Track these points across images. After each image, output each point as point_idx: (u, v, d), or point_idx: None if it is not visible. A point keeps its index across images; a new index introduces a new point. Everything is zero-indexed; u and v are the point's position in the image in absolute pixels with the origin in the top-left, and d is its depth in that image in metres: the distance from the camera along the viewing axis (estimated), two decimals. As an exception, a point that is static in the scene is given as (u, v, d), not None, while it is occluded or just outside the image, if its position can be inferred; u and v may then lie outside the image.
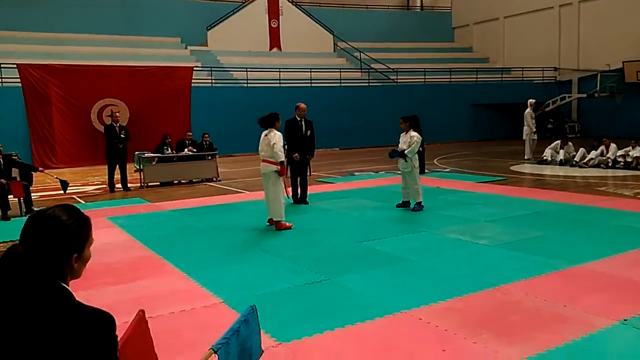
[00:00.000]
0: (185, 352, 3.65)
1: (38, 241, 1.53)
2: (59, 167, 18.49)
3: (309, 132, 9.62)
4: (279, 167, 7.66)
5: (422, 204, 8.74)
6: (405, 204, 9.00)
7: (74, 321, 1.48)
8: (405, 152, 8.66)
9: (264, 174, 7.83)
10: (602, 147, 14.22)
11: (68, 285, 1.58)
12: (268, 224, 7.93)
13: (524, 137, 16.93)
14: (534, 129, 16.79)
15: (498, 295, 4.59)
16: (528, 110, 16.87)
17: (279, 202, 7.67)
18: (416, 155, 8.86)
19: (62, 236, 1.56)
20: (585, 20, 27.70)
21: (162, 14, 28.76)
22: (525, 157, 16.39)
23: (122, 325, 2.11)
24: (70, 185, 10.88)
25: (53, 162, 18.83)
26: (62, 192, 10.58)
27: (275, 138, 7.59)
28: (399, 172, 9.24)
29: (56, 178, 10.63)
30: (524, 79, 29.06)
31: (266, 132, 7.77)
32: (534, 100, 17.59)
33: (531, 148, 16.61)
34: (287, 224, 7.70)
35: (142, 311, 2.28)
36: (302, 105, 9.60)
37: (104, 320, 1.53)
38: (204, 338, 3.86)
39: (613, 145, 13.98)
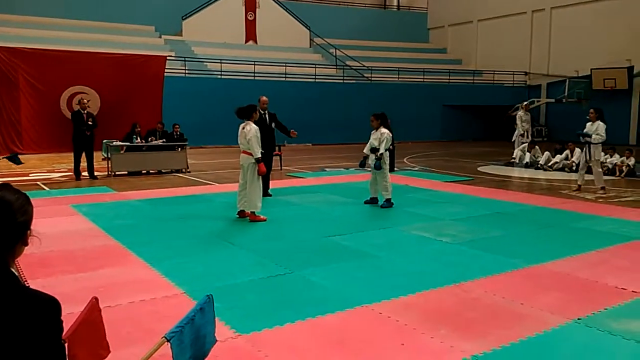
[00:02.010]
0: (143, 340, 3.61)
1: None
2: (25, 152, 18.05)
3: (272, 124, 9.72)
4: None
5: (392, 201, 8.81)
6: (373, 201, 9.07)
7: (19, 305, 1.46)
8: (380, 151, 8.71)
9: (242, 165, 7.85)
10: (567, 151, 14.55)
11: (13, 268, 1.55)
12: (237, 216, 7.91)
13: (512, 139, 16.75)
14: (521, 131, 16.68)
15: (458, 292, 4.67)
16: (519, 112, 16.85)
17: (256, 194, 7.68)
18: (386, 153, 8.93)
19: (15, 216, 1.53)
20: (557, 26, 28.27)
21: (137, 1, 28.29)
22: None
23: (79, 313, 2.09)
24: (35, 171, 10.62)
25: (19, 147, 18.35)
26: (27, 177, 10.32)
27: (250, 133, 7.60)
28: (369, 169, 9.30)
29: (3, 158, 10.23)
30: (495, 82, 29.51)
31: (243, 124, 7.78)
32: (525, 102, 17.62)
33: (517, 148, 16.18)
34: (262, 217, 7.70)
35: (95, 298, 2.25)
36: (264, 98, 9.71)
37: (49, 304, 1.50)
38: (162, 327, 3.83)
39: (577, 150, 14.28)
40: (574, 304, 4.39)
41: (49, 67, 18.63)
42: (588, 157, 10.55)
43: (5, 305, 1.44)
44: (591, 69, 25.07)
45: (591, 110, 10.64)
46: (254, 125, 7.74)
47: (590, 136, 10.34)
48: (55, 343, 1.50)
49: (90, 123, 12.12)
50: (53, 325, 1.49)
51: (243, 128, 7.77)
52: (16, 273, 1.55)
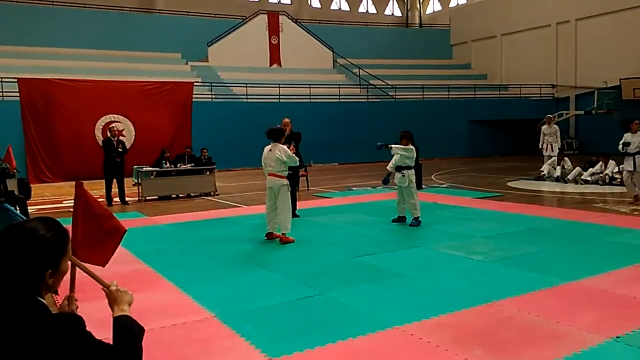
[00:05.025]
0: (175, 366, 3.63)
1: (13, 255, 1.51)
2: (55, 181, 18.53)
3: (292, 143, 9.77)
4: (287, 180, 7.87)
5: (420, 219, 8.74)
6: (400, 219, 9.00)
7: (47, 333, 1.47)
8: (388, 144, 8.69)
9: (272, 188, 7.87)
10: (601, 163, 14.25)
11: (43, 298, 1.57)
12: (266, 238, 7.93)
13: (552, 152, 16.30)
14: (540, 145, 16.42)
15: (491, 311, 4.58)
16: (543, 127, 16.63)
17: (287, 215, 7.75)
18: (413, 171, 8.89)
19: (38, 251, 1.54)
20: (582, 37, 27.94)
21: (163, 29, 29.05)
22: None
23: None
24: (69, 199, 10.84)
25: (48, 176, 18.84)
26: (60, 204, 10.54)
27: (285, 152, 7.75)
28: (396, 187, 9.25)
29: None
30: (522, 95, 29.22)
31: (270, 146, 7.84)
32: (548, 116, 17.31)
33: (545, 163, 15.85)
34: (291, 238, 7.72)
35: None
36: (286, 119, 9.75)
37: (72, 322, 1.52)
38: (193, 352, 3.86)
39: (612, 162, 14.00)
40: (612, 322, 4.26)
41: (80, 97, 19.22)
42: (634, 168, 10.42)
43: (35, 336, 1.45)
44: (620, 79, 24.65)
45: (636, 122, 10.55)
46: (283, 146, 7.85)
47: (628, 145, 10.23)
48: (89, 354, 1.51)
49: (120, 150, 12.37)
50: (78, 340, 1.50)
51: (270, 150, 7.81)
52: (45, 302, 1.57)
